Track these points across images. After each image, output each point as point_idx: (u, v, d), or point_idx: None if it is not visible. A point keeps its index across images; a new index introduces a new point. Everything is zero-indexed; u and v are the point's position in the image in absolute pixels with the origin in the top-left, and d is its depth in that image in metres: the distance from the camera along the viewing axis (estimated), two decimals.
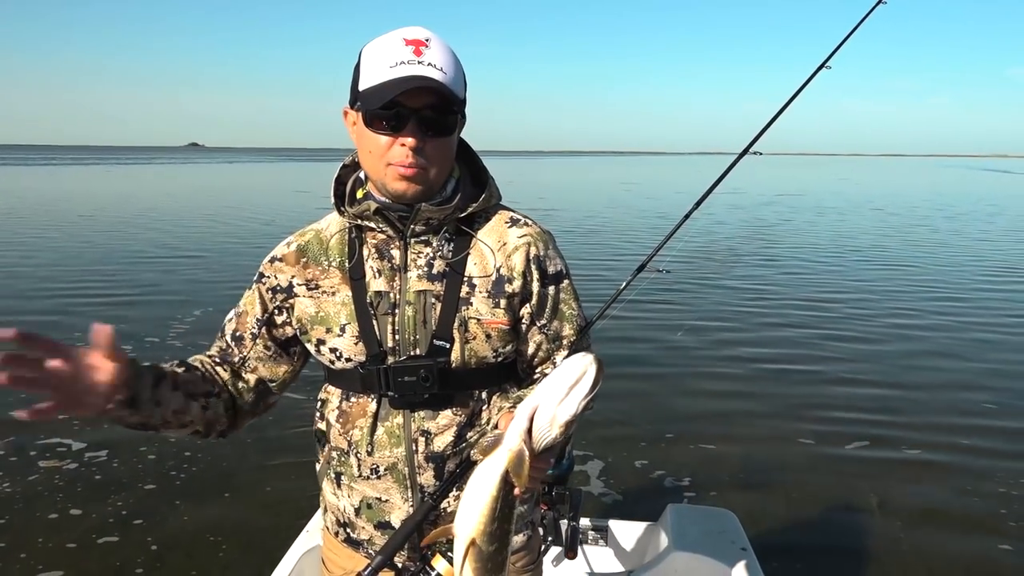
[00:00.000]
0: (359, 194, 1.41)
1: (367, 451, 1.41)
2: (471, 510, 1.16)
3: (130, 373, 1.19)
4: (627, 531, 2.87)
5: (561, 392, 1.11)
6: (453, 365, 1.37)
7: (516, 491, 1.14)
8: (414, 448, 1.39)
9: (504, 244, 1.41)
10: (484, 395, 1.43)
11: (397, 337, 1.37)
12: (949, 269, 12.91)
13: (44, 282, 10.39)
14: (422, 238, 1.39)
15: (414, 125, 1.27)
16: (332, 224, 1.46)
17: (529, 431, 1.12)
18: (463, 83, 1.34)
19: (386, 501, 1.43)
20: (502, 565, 1.19)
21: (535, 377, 1.49)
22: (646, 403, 5.84)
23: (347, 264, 1.41)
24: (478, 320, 1.38)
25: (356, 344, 1.38)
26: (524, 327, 1.44)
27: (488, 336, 1.39)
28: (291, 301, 1.43)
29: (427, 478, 1.40)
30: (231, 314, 1.49)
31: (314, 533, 2.53)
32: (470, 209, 1.39)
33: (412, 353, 1.37)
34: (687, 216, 1.66)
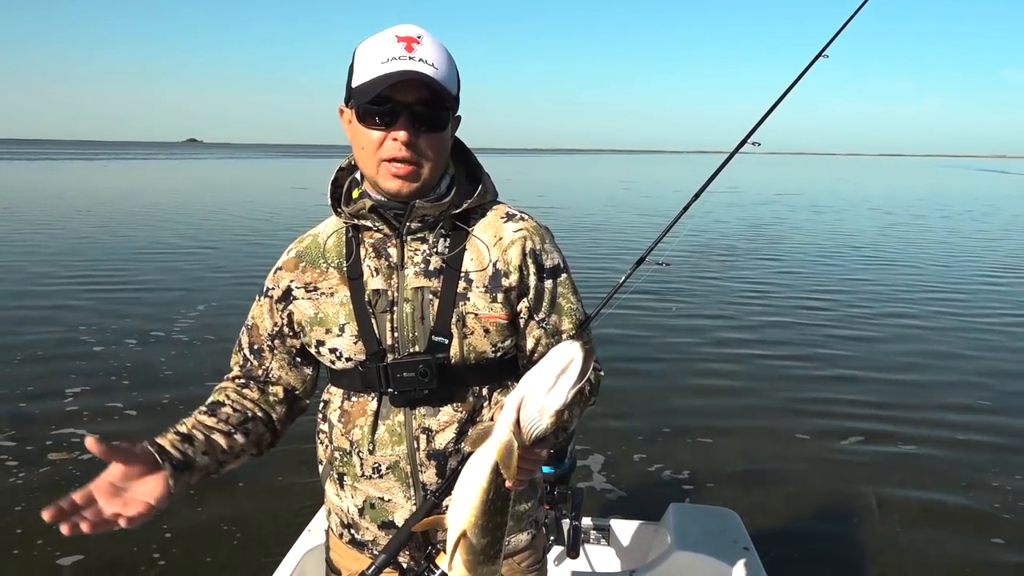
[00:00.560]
0: (355, 194, 1.42)
1: (368, 450, 1.40)
2: (462, 503, 1.14)
3: (164, 466, 1.26)
4: (629, 530, 2.87)
5: (548, 381, 1.09)
6: (452, 360, 1.36)
7: (507, 483, 1.12)
8: (415, 446, 1.38)
9: (500, 239, 1.41)
10: (484, 391, 1.42)
11: (396, 334, 1.37)
12: (946, 267, 12.95)
13: (42, 279, 10.34)
14: (418, 235, 1.39)
15: (406, 119, 1.28)
16: (329, 226, 1.46)
17: (517, 422, 1.10)
18: (456, 80, 1.34)
19: (389, 500, 1.42)
20: (494, 558, 1.17)
21: None
22: (646, 400, 5.84)
23: (345, 264, 1.41)
24: (476, 315, 1.37)
25: (355, 343, 1.38)
26: (523, 322, 1.43)
27: (486, 331, 1.38)
28: (290, 307, 1.44)
29: (429, 476, 1.39)
30: (243, 328, 1.51)
31: (316, 532, 2.52)
32: (465, 205, 1.39)
33: (411, 350, 1.37)
34: (686, 208, 1.66)
